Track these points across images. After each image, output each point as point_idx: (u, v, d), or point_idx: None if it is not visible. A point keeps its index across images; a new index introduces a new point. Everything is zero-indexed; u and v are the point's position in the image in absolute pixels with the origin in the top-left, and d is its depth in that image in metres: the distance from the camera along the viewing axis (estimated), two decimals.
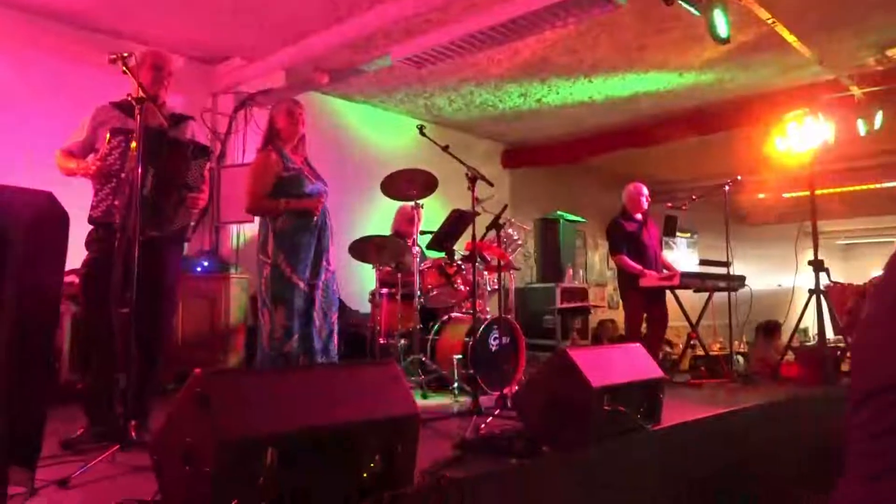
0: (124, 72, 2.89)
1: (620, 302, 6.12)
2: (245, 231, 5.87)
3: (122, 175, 2.94)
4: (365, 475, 1.96)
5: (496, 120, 7.58)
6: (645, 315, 5.77)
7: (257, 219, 4.11)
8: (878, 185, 9.97)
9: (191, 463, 1.69)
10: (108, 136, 2.99)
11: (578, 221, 8.29)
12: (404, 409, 2.05)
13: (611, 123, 7.60)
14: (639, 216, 5.85)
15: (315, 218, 3.71)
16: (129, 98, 2.94)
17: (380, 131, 7.09)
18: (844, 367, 6.50)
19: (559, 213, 7.86)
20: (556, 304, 6.98)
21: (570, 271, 7.64)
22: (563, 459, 2.63)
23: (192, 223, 3.33)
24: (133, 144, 2.87)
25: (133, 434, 2.67)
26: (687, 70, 6.05)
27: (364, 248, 4.87)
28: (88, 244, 3.08)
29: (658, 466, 3.12)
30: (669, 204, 6.32)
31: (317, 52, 5.15)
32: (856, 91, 6.00)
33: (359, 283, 5.79)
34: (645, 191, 5.85)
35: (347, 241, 4.79)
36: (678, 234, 11.18)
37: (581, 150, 8.27)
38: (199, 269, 5.34)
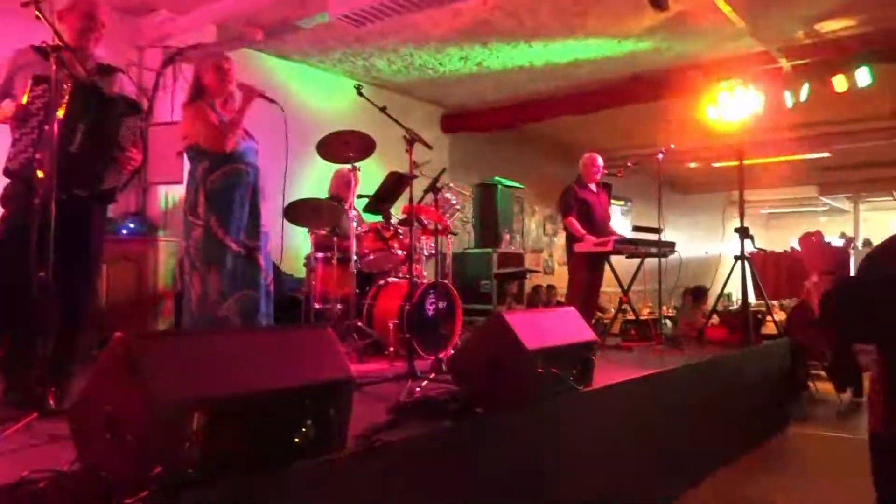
0: (38, 17, 2.69)
1: (556, 267, 6.24)
2: (174, 193, 5.65)
3: (46, 127, 2.75)
4: (297, 440, 1.93)
5: (436, 83, 7.49)
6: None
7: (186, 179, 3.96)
8: (800, 157, 10.37)
9: (112, 430, 1.62)
10: (30, 83, 2.79)
11: (516, 187, 8.34)
12: (337, 374, 2.03)
13: (550, 90, 7.62)
14: (592, 186, 6.01)
15: (248, 177, 3.60)
16: (45, 46, 2.75)
17: (317, 92, 6.90)
18: (765, 330, 6.82)
19: (497, 178, 7.89)
20: (493, 269, 7.04)
21: (507, 237, 7.70)
22: (497, 421, 2.66)
23: (122, 184, 3.17)
24: (65, 97, 2.69)
25: (52, 402, 2.55)
26: (625, 37, 6.10)
27: (299, 212, 4.76)
28: (4, 200, 2.90)
29: (589, 426, 3.20)
30: (605, 171, 6.42)
31: (250, 7, 4.95)
32: (784, 64, 6.18)
33: (293, 247, 5.68)
34: (599, 161, 6.00)
35: (282, 205, 4.68)
36: (613, 201, 11.41)
37: (520, 115, 8.28)
38: (124, 231, 5.14)
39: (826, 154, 10.13)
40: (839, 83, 5.93)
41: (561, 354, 3.04)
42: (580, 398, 3.16)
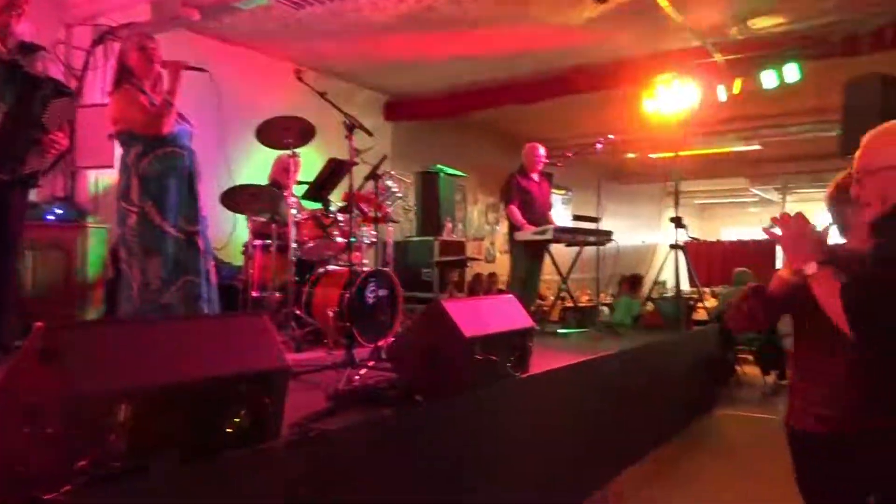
0: None
1: (497, 255, 6.31)
2: (104, 177, 5.45)
3: None
4: (230, 429, 1.90)
5: (378, 70, 7.43)
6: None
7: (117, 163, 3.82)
8: (732, 149, 10.72)
9: (32, 422, 1.56)
10: None
11: (458, 175, 8.36)
12: (272, 362, 2.00)
13: (493, 79, 7.65)
14: (535, 175, 6.06)
15: (184, 161, 3.51)
16: None
17: (256, 76, 6.74)
18: (696, 317, 7.07)
19: (439, 166, 7.89)
20: (435, 257, 7.05)
21: (449, 225, 7.72)
22: (435, 408, 2.68)
23: (45, 168, 3.04)
24: None
25: None
26: (567, 28, 6.16)
27: (236, 198, 4.66)
28: None
29: (526, 412, 3.25)
30: (547, 161, 6.50)
31: None
32: (719, 58, 6.37)
33: (231, 234, 5.55)
34: (541, 151, 6.07)
35: (220, 191, 4.58)
36: (554, 190, 11.56)
37: (463, 104, 8.29)
38: (51, 217, 4.93)
39: (756, 146, 10.50)
40: (769, 79, 6.15)
41: (499, 341, 3.07)
42: (518, 384, 3.20)
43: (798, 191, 16.18)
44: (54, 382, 1.53)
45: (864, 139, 1.84)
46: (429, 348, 2.85)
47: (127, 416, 1.64)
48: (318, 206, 4.97)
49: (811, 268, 1.73)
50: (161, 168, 3.44)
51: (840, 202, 2.02)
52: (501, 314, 3.23)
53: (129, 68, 3.48)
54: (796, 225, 1.82)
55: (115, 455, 1.61)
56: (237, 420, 1.93)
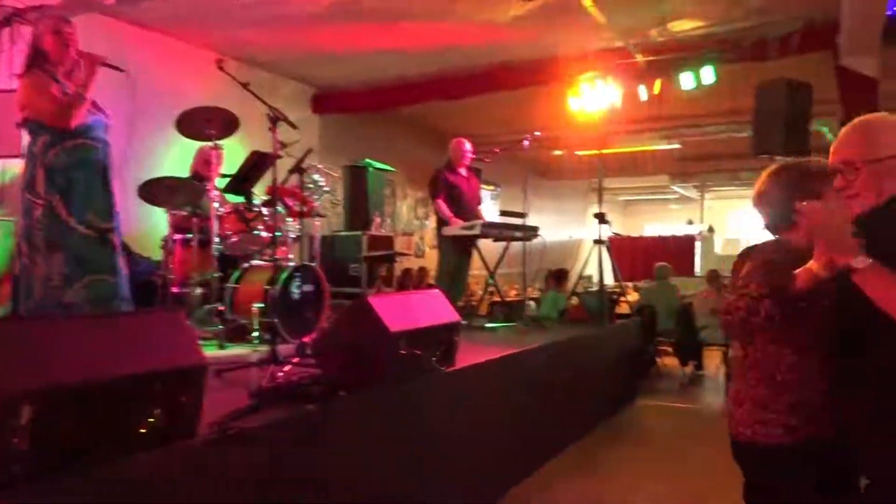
0: None
1: (427, 250, 6.32)
2: (13, 167, 5.16)
3: None
4: (143, 430, 1.83)
5: (305, 61, 7.30)
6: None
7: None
8: (654, 148, 11.09)
9: None
10: None
11: (387, 170, 8.32)
12: (189, 360, 1.94)
13: (422, 73, 7.64)
14: (462, 170, 6.09)
15: (97, 154, 3.36)
16: None
17: (177, 64, 6.51)
18: (619, 310, 7.28)
19: (368, 161, 7.84)
20: (363, 252, 7.00)
21: (378, 219, 7.68)
22: (358, 403, 2.66)
23: None
24: None
25: None
26: (494, 25, 6.21)
27: (155, 190, 4.50)
28: None
29: (452, 406, 3.28)
30: (475, 156, 6.55)
31: None
32: (640, 59, 6.56)
33: (149, 227, 5.36)
34: (468, 145, 6.10)
35: (137, 182, 4.42)
36: (483, 186, 11.67)
37: (392, 98, 8.25)
38: None
39: (676, 145, 10.89)
40: (687, 80, 6.38)
41: (425, 336, 3.08)
42: (443, 379, 3.22)
43: (715, 188, 16.89)
44: None
45: (857, 129, 1.75)
46: (354, 344, 2.84)
47: (30, 418, 1.56)
48: (241, 199, 4.86)
49: (862, 261, 1.50)
50: (70, 160, 3.29)
51: (792, 192, 1.80)
52: (427, 309, 3.23)
53: (42, 52, 3.33)
54: (841, 213, 1.59)
55: (17, 459, 1.53)
56: (152, 420, 1.86)
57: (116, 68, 3.41)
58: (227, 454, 2.02)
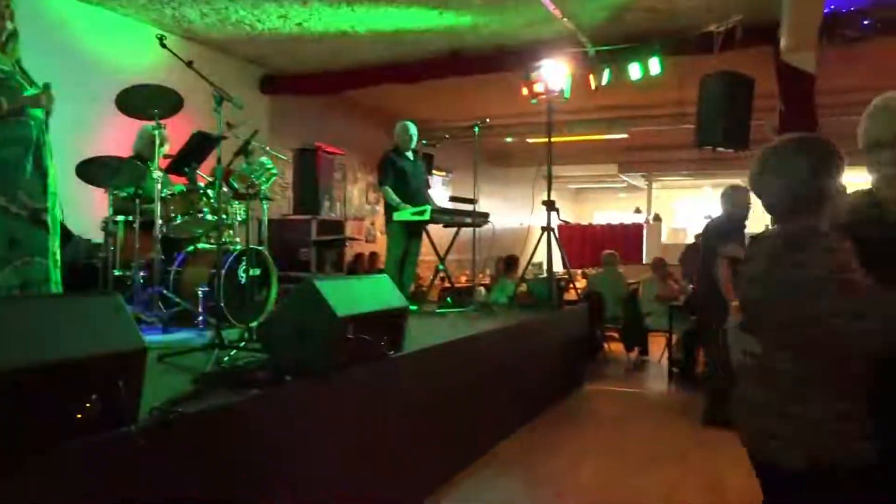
0: None
1: (378, 235, 6.30)
2: None
3: None
4: (79, 416, 1.78)
5: (254, 41, 7.14)
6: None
7: None
8: (603, 137, 11.24)
9: None
10: None
11: (337, 154, 8.23)
12: (126, 344, 1.89)
13: (374, 58, 7.57)
14: (409, 154, 6.05)
15: (29, 130, 3.22)
16: None
17: (119, 40, 6.30)
18: (567, 297, 7.38)
19: (317, 144, 7.73)
20: (313, 236, 6.93)
21: (327, 203, 7.60)
22: (304, 388, 2.64)
23: None
24: None
25: None
26: (446, 9, 6.18)
27: (95, 171, 4.35)
28: None
29: (399, 391, 3.28)
30: (424, 141, 6.53)
31: None
32: (590, 49, 6.63)
33: (89, 208, 5.19)
34: (413, 129, 6.06)
35: (75, 162, 4.27)
36: (435, 172, 11.67)
37: (343, 82, 8.16)
38: None
39: (624, 135, 11.06)
40: (634, 71, 6.48)
41: (372, 321, 3.07)
42: (389, 363, 3.22)
43: (662, 178, 17.26)
44: None
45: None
46: (300, 328, 2.81)
47: None
48: (183, 181, 4.75)
49: None
50: (3, 137, 3.14)
51: (821, 168, 1.64)
52: (375, 294, 3.22)
53: None
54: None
55: None
56: (88, 406, 1.81)
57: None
58: (166, 441, 1.98)
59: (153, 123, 4.34)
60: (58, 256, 3.38)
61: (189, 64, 3.43)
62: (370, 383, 3.07)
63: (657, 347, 7.96)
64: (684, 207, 20.09)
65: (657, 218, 16.40)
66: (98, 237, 4.94)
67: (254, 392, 2.48)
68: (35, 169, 3.26)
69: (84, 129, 5.54)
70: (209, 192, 4.61)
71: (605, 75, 6.69)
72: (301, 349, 2.79)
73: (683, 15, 6.09)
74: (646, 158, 14.11)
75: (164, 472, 1.98)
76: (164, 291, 4.48)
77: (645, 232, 15.69)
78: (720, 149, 6.04)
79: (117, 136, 5.29)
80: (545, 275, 6.76)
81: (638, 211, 18.16)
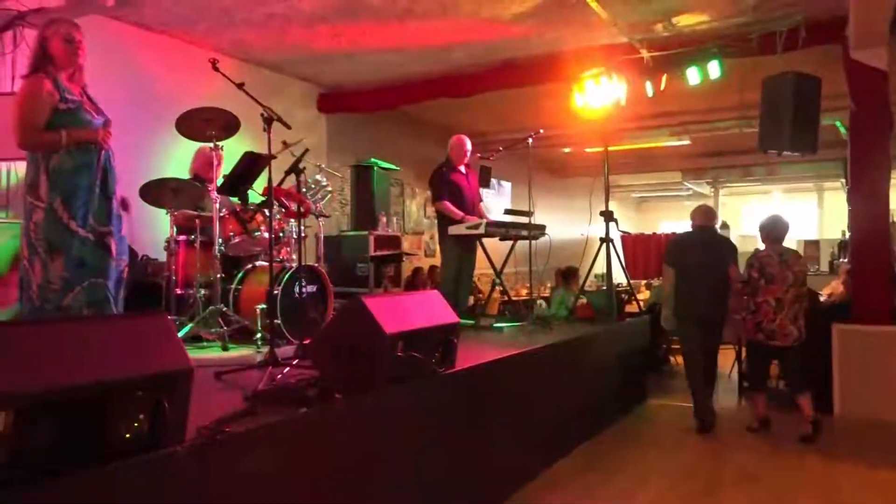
0: None
1: (437, 249, 6.30)
2: (16, 169, 5.18)
3: None
4: (127, 435, 1.81)
5: (310, 61, 7.28)
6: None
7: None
8: (664, 144, 10.97)
9: None
10: None
11: (392, 169, 8.30)
12: (173, 364, 1.92)
13: (426, 72, 7.60)
14: (462, 168, 6.06)
15: (98, 156, 3.37)
16: None
17: (179, 65, 6.51)
18: (629, 309, 7.20)
19: (374, 160, 7.81)
20: (369, 251, 6.98)
21: (384, 219, 7.65)
22: (352, 405, 2.63)
23: None
24: None
25: None
26: (497, 22, 6.16)
27: (158, 192, 4.52)
28: None
29: (446, 408, 3.24)
30: (480, 154, 6.50)
31: None
32: (645, 54, 6.48)
33: (152, 228, 5.37)
34: (468, 143, 6.06)
35: (139, 184, 4.43)
36: (501, 181, 11.66)
37: (397, 97, 8.21)
38: None
39: (686, 142, 10.77)
40: (693, 75, 6.29)
41: (422, 337, 3.05)
42: (441, 381, 3.18)
43: (729, 185, 16.72)
44: None
45: None
46: (350, 346, 2.81)
47: (8, 424, 1.55)
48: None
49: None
50: (72, 164, 3.30)
51: None
52: (425, 310, 3.20)
53: (49, 56, 3.35)
54: None
55: None
56: (136, 425, 1.84)
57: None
58: (213, 460, 2.00)
59: (211, 145, 4.46)
60: (124, 277, 3.53)
61: (240, 86, 3.50)
62: (420, 400, 3.04)
63: (726, 360, 7.65)
64: (753, 214, 19.38)
65: (724, 225, 15.85)
66: (162, 256, 5.11)
67: (302, 410, 2.48)
68: (102, 194, 3.41)
69: (147, 152, 5.75)
70: (265, 210, 4.70)
71: (663, 81, 6.52)
72: (350, 366, 2.79)
73: (742, 16, 5.88)
74: (710, 165, 13.70)
75: (210, 491, 1.99)
76: (224, 309, 4.58)
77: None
78: (787, 152, 5.79)
79: (178, 157, 5.48)
80: (605, 286, 6.61)
81: None
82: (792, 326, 4.91)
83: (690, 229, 5.55)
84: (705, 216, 5.48)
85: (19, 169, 5.17)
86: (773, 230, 5.12)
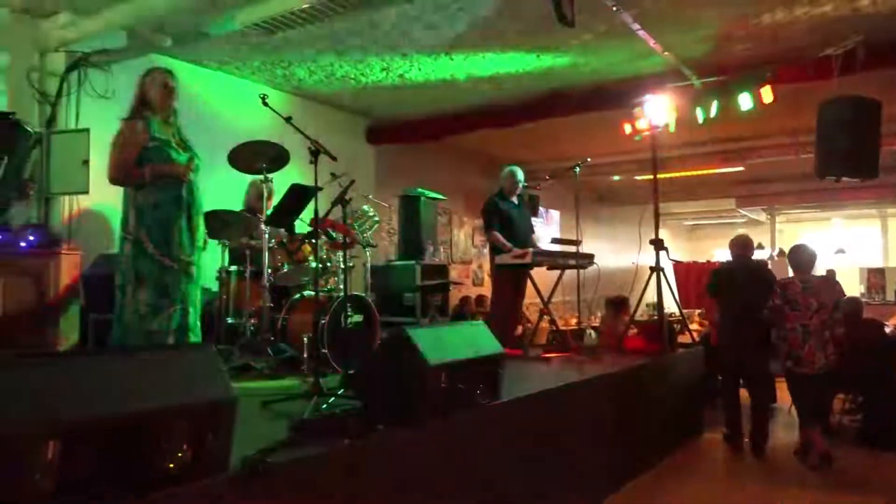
0: None
1: (486, 278, 6.28)
2: (79, 202, 5.40)
3: None
4: (171, 465, 1.83)
5: (359, 94, 7.42)
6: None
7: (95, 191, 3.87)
8: (716, 171, 10.74)
9: None
10: None
11: (438, 198, 8.34)
12: (217, 395, 1.94)
13: (473, 103, 7.66)
14: (514, 199, 6.09)
15: (182, 191, 3.56)
16: None
17: (234, 100, 6.72)
18: (682, 339, 7.00)
19: (420, 189, 7.86)
20: (416, 281, 6.99)
21: (431, 248, 7.67)
22: (395, 437, 2.61)
23: None
24: None
25: None
26: (543, 51, 6.18)
27: (210, 223, 4.61)
28: None
29: (491, 440, 3.18)
30: (527, 184, 6.49)
31: (157, 12, 4.77)
32: (695, 81, 6.39)
33: (207, 258, 5.49)
34: (520, 174, 6.10)
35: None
36: (551, 210, 11.59)
37: (445, 128, 8.30)
38: (23, 244, 4.85)
39: (740, 168, 10.53)
40: (745, 101, 6.16)
41: (467, 369, 3.02)
42: (487, 412, 3.13)
43: (785, 211, 16.24)
44: None
45: None
46: (392, 376, 2.80)
47: (55, 454, 1.58)
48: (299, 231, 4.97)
49: None
50: (156, 198, 3.55)
51: None
52: (470, 341, 3.17)
53: (147, 101, 3.66)
54: None
55: (40, 495, 1.54)
56: (180, 455, 1.86)
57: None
58: (256, 491, 2.00)
59: (261, 177, 4.56)
60: (198, 306, 3.70)
61: (288, 119, 3.59)
62: (465, 433, 2.99)
63: (786, 393, 7.35)
64: (812, 241, 18.76)
65: (782, 253, 15.39)
66: (214, 286, 5.22)
67: (345, 441, 2.47)
68: (186, 226, 3.60)
69: (200, 184, 5.90)
70: (311, 241, 4.77)
71: (713, 107, 6.40)
72: (393, 397, 2.77)
73: (795, 39, 5.76)
74: (766, 191, 13.35)
75: None
76: (273, 339, 4.64)
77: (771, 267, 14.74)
78: (845, 178, 5.60)
79: (230, 189, 5.61)
80: (656, 316, 6.44)
81: (760, 246, 17.12)
82: (820, 353, 4.96)
83: (731, 259, 5.79)
84: (742, 246, 5.70)
85: (81, 202, 5.40)
86: (799, 258, 5.32)
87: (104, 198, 5.13)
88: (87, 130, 5.13)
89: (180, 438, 1.85)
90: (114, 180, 3.62)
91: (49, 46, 5.27)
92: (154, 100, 3.65)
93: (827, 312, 5.02)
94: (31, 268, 4.76)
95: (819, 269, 5.17)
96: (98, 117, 5.28)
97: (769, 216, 16.04)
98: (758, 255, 16.42)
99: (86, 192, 5.13)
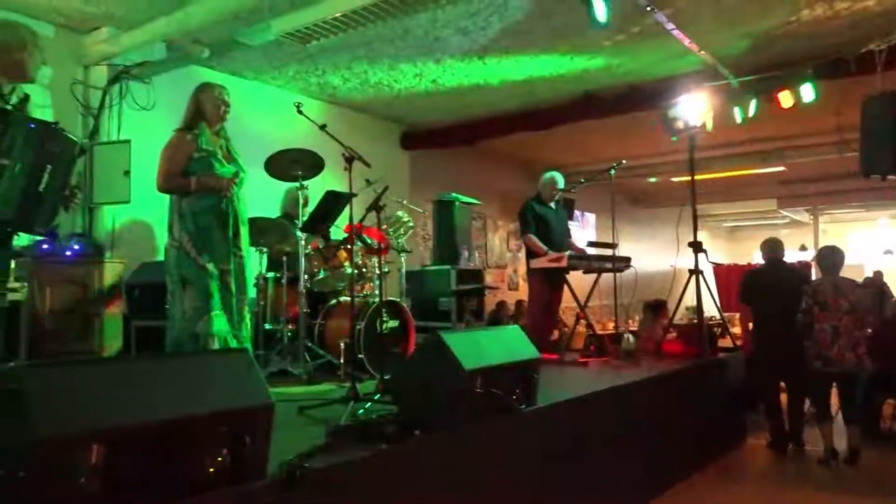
0: None
1: (521, 283, 6.26)
2: (121, 213, 5.53)
3: None
4: (211, 470, 1.86)
5: (392, 101, 7.47)
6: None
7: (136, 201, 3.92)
8: (756, 171, 10.53)
9: (5, 467, 1.54)
10: None
11: (473, 203, 8.33)
12: (255, 400, 1.96)
13: (507, 107, 7.65)
14: (552, 203, 6.08)
15: (223, 201, 3.64)
16: None
17: (270, 109, 6.81)
18: (722, 343, 6.86)
19: (454, 194, 7.87)
20: (452, 286, 6.99)
21: (466, 253, 7.66)
22: (430, 443, 2.60)
23: None
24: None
25: None
26: (576, 53, 6.14)
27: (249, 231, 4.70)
28: None
29: (527, 446, 3.16)
30: (563, 188, 6.44)
31: (194, 24, 4.87)
32: (732, 80, 6.27)
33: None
34: (560, 181, 6.07)
35: None
36: (587, 213, 11.49)
37: (478, 132, 8.30)
38: (68, 252, 5.00)
39: (781, 168, 10.31)
40: (785, 99, 6.03)
41: (503, 374, 3.00)
42: (522, 418, 3.11)
43: (829, 211, 15.84)
44: (19, 424, 1.50)
45: None
46: (428, 381, 2.80)
47: (99, 458, 1.61)
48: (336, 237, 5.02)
49: None
50: (198, 206, 3.65)
51: None
52: (505, 346, 3.16)
53: (202, 113, 3.78)
54: None
55: (86, 498, 1.57)
56: (219, 459, 1.89)
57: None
58: (293, 496, 2.01)
59: (297, 184, 4.62)
60: (244, 313, 3.80)
61: (322, 127, 3.63)
62: (500, 438, 2.98)
63: (833, 398, 7.16)
64: (858, 242, 18.24)
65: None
66: (252, 292, 5.29)
67: (382, 446, 2.48)
68: (222, 236, 3.67)
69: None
70: (347, 246, 4.80)
71: (752, 106, 6.28)
72: (429, 403, 2.77)
73: (836, 35, 5.62)
74: (808, 191, 13.03)
75: None
76: (310, 344, 4.68)
77: (813, 270, 14.37)
78: (891, 176, 5.42)
79: (266, 196, 5.69)
80: (696, 320, 6.33)
81: (803, 248, 16.73)
82: (850, 353, 4.94)
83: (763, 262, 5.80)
84: (772, 248, 5.73)
85: (122, 212, 5.53)
86: (828, 261, 5.40)
87: (145, 207, 5.26)
88: (128, 142, 5.27)
89: (219, 444, 1.87)
90: (161, 188, 3.73)
91: (91, 60, 5.44)
92: (209, 114, 3.78)
93: (860, 314, 5.02)
94: (76, 276, 4.90)
95: (867, 271, 5.03)
96: (139, 128, 5.41)
97: (812, 216, 15.65)
98: (801, 256, 16.12)
99: (127, 201, 5.26)
